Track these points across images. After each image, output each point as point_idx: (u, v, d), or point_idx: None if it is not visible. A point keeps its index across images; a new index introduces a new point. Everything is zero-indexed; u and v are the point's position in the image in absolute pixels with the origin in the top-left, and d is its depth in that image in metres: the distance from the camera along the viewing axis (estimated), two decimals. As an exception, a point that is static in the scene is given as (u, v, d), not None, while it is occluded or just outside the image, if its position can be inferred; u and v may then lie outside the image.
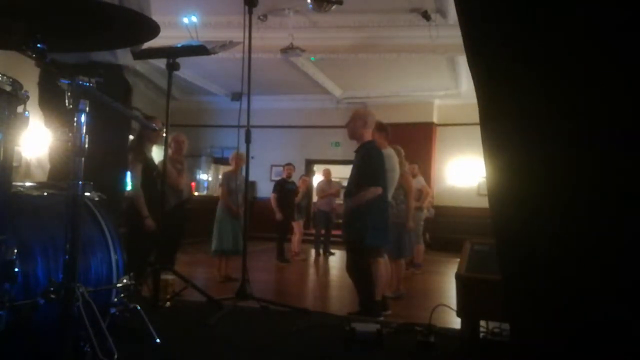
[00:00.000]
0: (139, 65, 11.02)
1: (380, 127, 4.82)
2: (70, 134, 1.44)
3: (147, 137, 4.75)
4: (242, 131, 3.33)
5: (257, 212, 11.18)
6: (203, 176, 14.24)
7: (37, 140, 6.59)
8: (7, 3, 1.35)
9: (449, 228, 11.49)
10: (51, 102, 2.21)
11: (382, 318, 3.81)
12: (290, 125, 13.84)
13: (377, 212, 4.01)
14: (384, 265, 4.45)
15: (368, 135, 4.21)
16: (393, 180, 4.70)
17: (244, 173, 6.52)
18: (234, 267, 6.16)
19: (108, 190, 1.96)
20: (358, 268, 4.13)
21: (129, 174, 4.28)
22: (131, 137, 4.55)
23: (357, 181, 4.13)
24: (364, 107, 4.73)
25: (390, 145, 5.04)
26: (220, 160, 13.36)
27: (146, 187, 4.59)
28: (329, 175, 10.19)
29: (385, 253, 4.67)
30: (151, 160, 4.86)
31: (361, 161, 4.13)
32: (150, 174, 4.70)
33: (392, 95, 12.21)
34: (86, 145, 1.45)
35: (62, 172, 2.09)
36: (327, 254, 10.10)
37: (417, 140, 11.15)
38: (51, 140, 2.44)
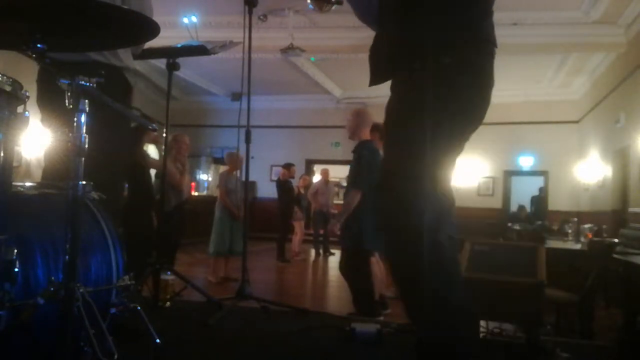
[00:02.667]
0: (139, 65, 11.02)
1: (374, 127, 4.82)
2: (70, 134, 1.44)
3: (146, 135, 4.77)
4: (242, 131, 3.33)
5: (257, 212, 11.20)
6: (203, 176, 14.23)
7: (37, 140, 6.59)
8: (7, 3, 1.35)
9: (448, 228, 11.46)
10: (51, 101, 2.21)
11: (382, 318, 3.82)
12: (290, 125, 13.84)
13: (374, 214, 3.99)
14: (376, 264, 4.45)
15: (365, 134, 4.20)
16: None
17: (241, 173, 6.53)
18: (233, 267, 6.16)
19: (107, 190, 1.96)
20: (355, 270, 4.12)
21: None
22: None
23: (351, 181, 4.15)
24: (364, 107, 4.73)
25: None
26: (220, 161, 13.36)
27: (140, 187, 4.59)
28: (327, 175, 10.18)
29: (378, 252, 4.66)
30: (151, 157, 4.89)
31: (353, 161, 4.14)
32: (143, 174, 4.70)
33: (392, 95, 12.17)
34: (86, 146, 1.45)
35: (58, 171, 2.09)
36: (327, 254, 10.10)
37: (417, 140, 11.13)
38: (48, 139, 2.43)
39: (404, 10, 1.65)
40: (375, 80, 1.78)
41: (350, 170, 4.14)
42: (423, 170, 1.51)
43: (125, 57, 2.46)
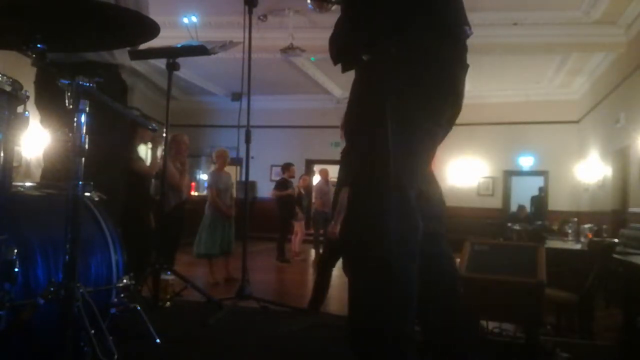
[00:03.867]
0: (139, 65, 11.04)
1: None
2: (70, 134, 1.44)
3: (139, 136, 4.77)
4: (242, 131, 3.33)
5: (257, 212, 11.20)
6: (203, 176, 14.22)
7: (37, 140, 6.58)
8: (7, 3, 1.35)
9: (449, 228, 11.44)
10: (50, 102, 2.21)
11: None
12: (290, 125, 13.84)
13: None
14: None
15: None
16: None
17: (241, 172, 6.51)
18: (234, 267, 6.15)
19: (106, 191, 1.96)
20: (326, 266, 4.16)
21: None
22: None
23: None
24: None
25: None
26: (220, 161, 13.36)
27: (137, 186, 4.59)
28: (327, 175, 10.18)
29: None
30: (142, 161, 4.87)
31: (340, 162, 4.18)
32: (140, 173, 4.70)
33: (391, 95, 12.18)
34: (86, 146, 1.45)
35: (58, 171, 2.09)
36: (327, 254, 10.08)
37: (417, 140, 11.12)
38: (47, 140, 2.44)
39: None
40: (344, 67, 1.68)
41: (340, 171, 4.19)
42: (386, 174, 1.41)
43: (119, 54, 2.46)
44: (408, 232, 1.42)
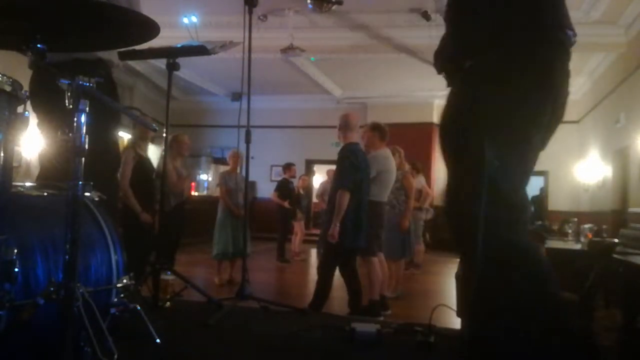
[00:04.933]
0: (139, 65, 11.02)
1: (374, 127, 4.84)
2: (70, 134, 1.44)
3: (140, 136, 4.77)
4: (242, 131, 3.33)
5: (257, 212, 11.20)
6: (203, 176, 14.22)
7: (37, 140, 6.56)
8: (7, 3, 1.35)
9: (448, 229, 11.46)
10: (46, 103, 2.21)
11: (382, 318, 3.82)
12: (290, 125, 13.84)
13: (355, 213, 3.99)
14: (378, 264, 4.45)
15: (350, 137, 4.28)
16: (388, 181, 4.70)
17: (241, 172, 6.50)
18: (238, 268, 6.15)
19: (101, 189, 1.96)
20: (329, 268, 4.16)
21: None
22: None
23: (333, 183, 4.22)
24: (350, 112, 4.66)
25: (389, 146, 5.03)
26: (220, 160, 13.37)
27: (141, 186, 4.59)
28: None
29: (383, 253, 4.67)
30: (147, 160, 4.85)
31: (337, 163, 4.20)
32: (145, 173, 4.70)
33: (392, 95, 12.20)
34: (86, 146, 1.45)
35: (57, 171, 2.09)
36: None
37: (417, 140, 11.14)
38: (43, 142, 2.44)
39: (457, 7, 1.63)
40: (448, 82, 1.71)
41: (336, 172, 4.21)
42: (481, 182, 1.45)
43: (109, 52, 2.47)
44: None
